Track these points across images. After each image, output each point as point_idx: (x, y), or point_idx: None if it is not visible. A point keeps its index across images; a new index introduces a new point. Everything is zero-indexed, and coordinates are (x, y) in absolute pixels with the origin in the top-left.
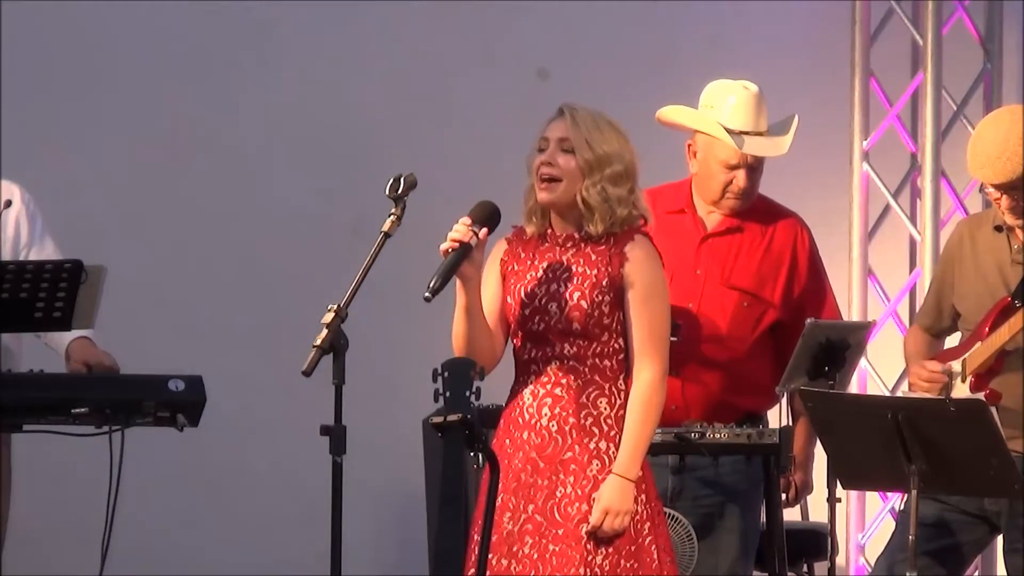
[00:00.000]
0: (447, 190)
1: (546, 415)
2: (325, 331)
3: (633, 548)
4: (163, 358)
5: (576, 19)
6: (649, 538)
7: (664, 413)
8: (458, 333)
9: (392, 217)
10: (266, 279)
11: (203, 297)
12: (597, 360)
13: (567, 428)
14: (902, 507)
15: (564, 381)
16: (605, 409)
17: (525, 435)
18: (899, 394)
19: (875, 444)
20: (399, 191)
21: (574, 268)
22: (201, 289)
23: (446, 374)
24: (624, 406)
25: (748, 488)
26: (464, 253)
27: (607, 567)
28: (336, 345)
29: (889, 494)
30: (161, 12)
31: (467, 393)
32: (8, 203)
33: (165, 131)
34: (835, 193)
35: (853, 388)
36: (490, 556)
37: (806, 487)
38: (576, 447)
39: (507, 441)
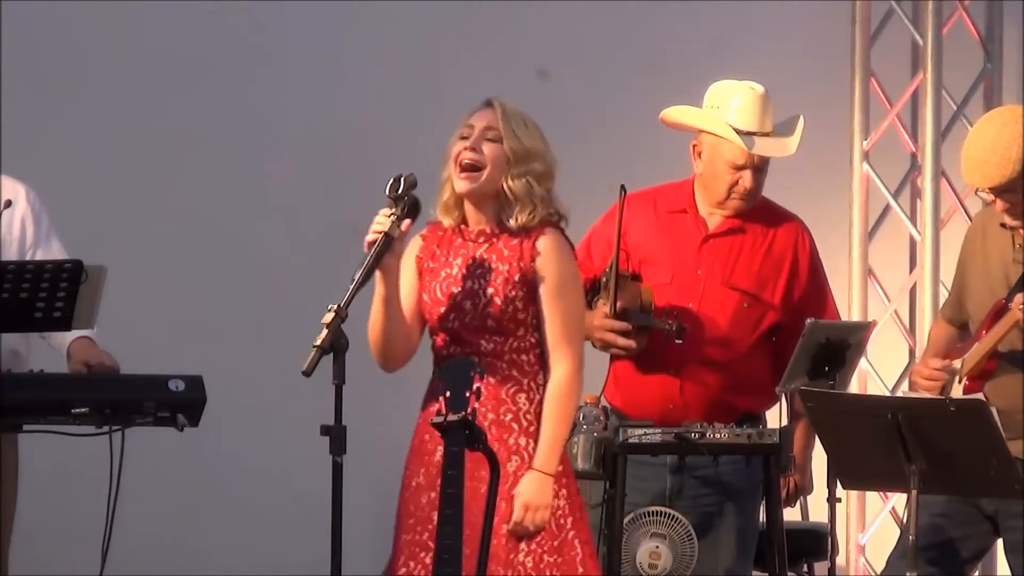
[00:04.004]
0: None
1: None
2: (325, 331)
3: (556, 543)
4: (163, 358)
5: (576, 19)
6: (572, 532)
7: (663, 413)
8: (375, 323)
9: (392, 218)
10: (266, 279)
11: (203, 297)
12: (515, 355)
13: (486, 424)
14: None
15: (483, 377)
16: (524, 405)
17: None
18: (899, 394)
19: (875, 444)
20: (399, 191)
21: (487, 264)
22: (201, 289)
23: (446, 374)
24: (543, 401)
25: (747, 488)
26: (388, 244)
27: (529, 564)
28: (336, 345)
29: (889, 494)
30: (161, 12)
31: (467, 393)
32: (8, 203)
33: (165, 131)
34: (835, 193)
35: (853, 388)
36: (423, 554)
37: (804, 488)
38: (495, 443)
39: (427, 436)
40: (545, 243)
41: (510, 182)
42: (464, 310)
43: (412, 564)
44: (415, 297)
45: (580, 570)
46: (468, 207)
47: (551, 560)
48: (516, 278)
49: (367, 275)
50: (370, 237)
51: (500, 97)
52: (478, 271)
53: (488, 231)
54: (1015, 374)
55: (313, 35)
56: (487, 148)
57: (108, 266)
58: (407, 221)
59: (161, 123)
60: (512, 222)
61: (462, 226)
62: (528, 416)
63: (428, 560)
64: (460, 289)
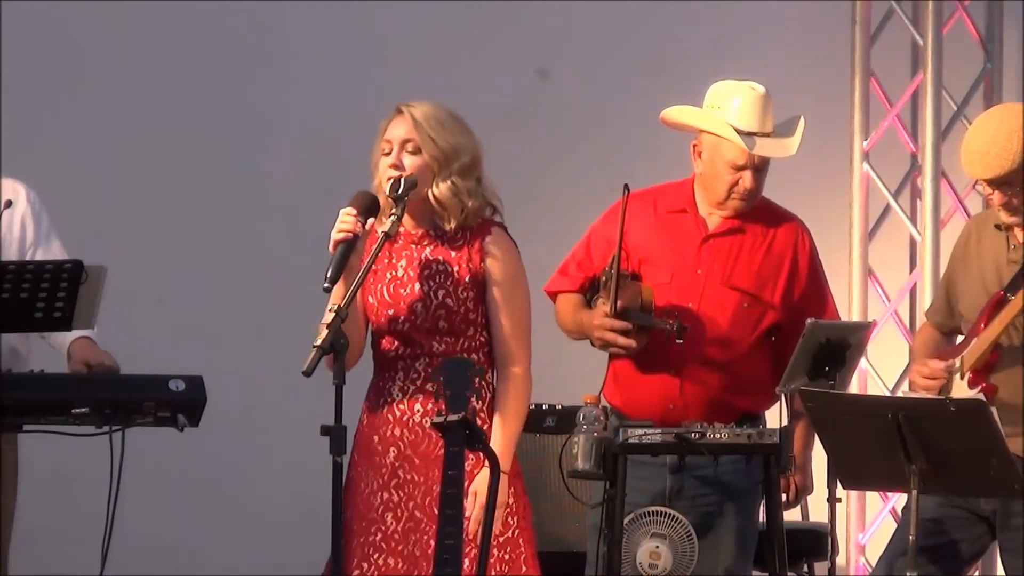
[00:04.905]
0: None
1: (418, 411)
2: (325, 331)
3: (503, 540)
4: (163, 358)
5: (576, 19)
6: (518, 531)
7: (663, 413)
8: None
9: (392, 217)
10: (266, 279)
11: (203, 297)
12: (465, 356)
13: None
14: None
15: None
16: (475, 404)
17: (397, 431)
18: (899, 394)
19: (875, 444)
20: (399, 191)
21: (435, 266)
22: (201, 289)
23: (446, 374)
24: (493, 400)
25: (747, 488)
26: (355, 243)
27: None
28: (336, 345)
29: (889, 494)
30: (161, 12)
31: (467, 393)
32: (8, 203)
33: (165, 131)
34: (835, 193)
35: (853, 388)
36: (376, 556)
37: (806, 488)
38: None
39: (375, 438)
40: (492, 244)
41: (435, 190)
42: (415, 312)
43: (365, 566)
44: (360, 299)
45: (524, 569)
46: (404, 214)
47: (501, 555)
48: (467, 279)
49: (339, 272)
50: (338, 236)
51: (410, 103)
52: (426, 273)
53: (431, 234)
54: (1019, 367)
55: (313, 35)
56: (408, 161)
57: (108, 266)
58: (371, 220)
59: (161, 123)
60: (446, 226)
61: (402, 230)
62: (481, 415)
63: (382, 561)
64: (409, 291)
